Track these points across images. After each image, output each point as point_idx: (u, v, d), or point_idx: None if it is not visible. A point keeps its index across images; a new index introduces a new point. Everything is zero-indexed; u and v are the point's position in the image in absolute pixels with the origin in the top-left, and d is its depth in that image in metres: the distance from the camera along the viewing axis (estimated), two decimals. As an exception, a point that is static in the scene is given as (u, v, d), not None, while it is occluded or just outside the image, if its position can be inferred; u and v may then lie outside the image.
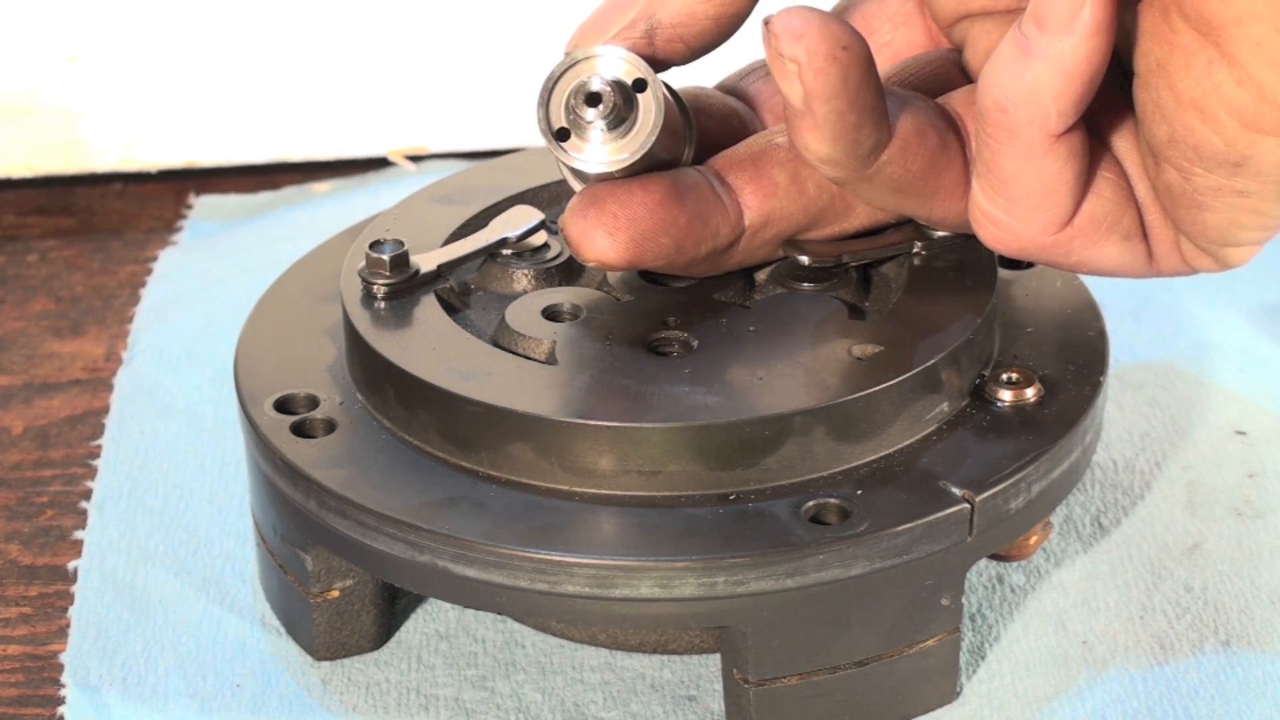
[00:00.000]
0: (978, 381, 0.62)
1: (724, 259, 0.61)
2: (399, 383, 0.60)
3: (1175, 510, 0.69)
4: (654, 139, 0.58)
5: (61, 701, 0.62)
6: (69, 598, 0.67)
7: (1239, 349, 0.77)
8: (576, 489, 0.58)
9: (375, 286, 0.63)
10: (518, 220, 0.66)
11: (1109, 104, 0.57)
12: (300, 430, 0.61)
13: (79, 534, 0.69)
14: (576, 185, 0.61)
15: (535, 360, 0.61)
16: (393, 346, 0.61)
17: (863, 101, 0.55)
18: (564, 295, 0.63)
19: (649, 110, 0.58)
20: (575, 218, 0.59)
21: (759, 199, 0.60)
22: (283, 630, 0.64)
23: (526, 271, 0.65)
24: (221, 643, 0.64)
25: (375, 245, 0.64)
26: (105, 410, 0.76)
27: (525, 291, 0.64)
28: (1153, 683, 0.62)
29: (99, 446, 0.74)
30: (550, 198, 0.69)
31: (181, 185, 0.91)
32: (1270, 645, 0.63)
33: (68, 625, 0.65)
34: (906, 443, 0.60)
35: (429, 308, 0.63)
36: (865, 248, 0.64)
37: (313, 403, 0.63)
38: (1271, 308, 0.79)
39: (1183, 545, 0.67)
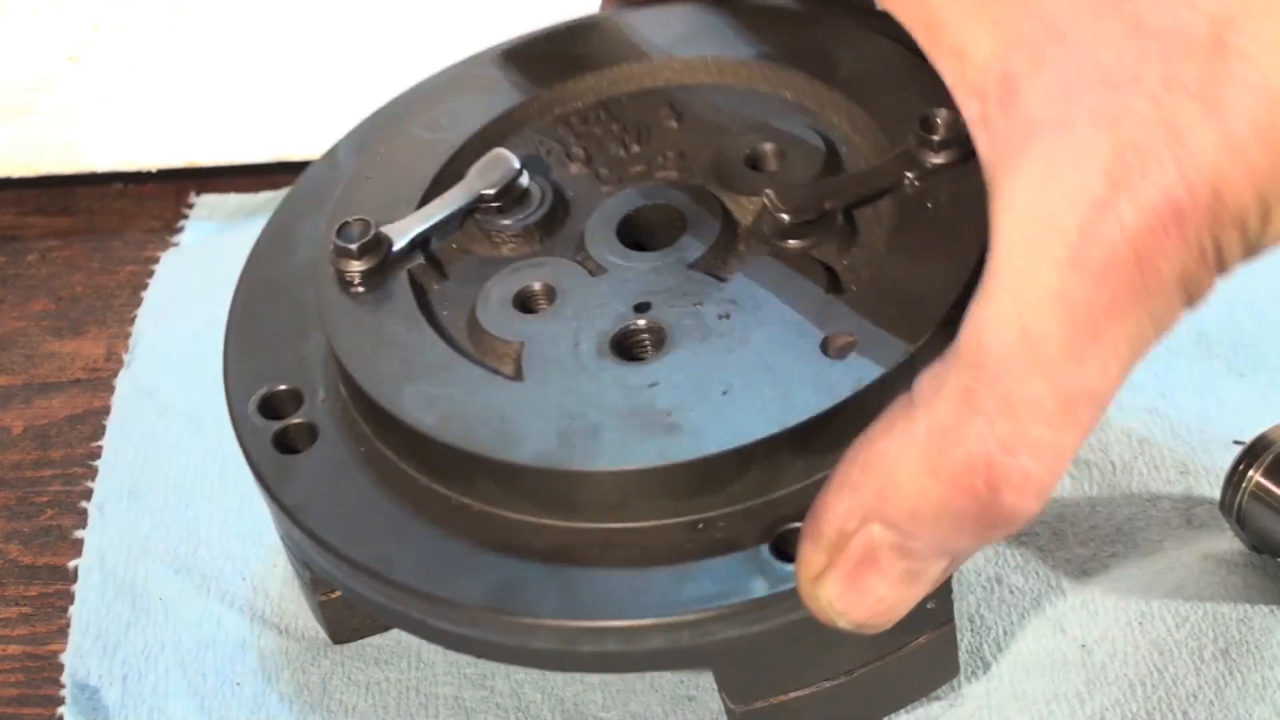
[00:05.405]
0: None
1: None
2: (368, 405, 0.59)
3: (1174, 514, 0.69)
4: None
5: (61, 701, 0.62)
6: (69, 597, 0.67)
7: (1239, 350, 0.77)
8: (545, 521, 0.56)
9: (348, 274, 0.61)
10: (493, 171, 0.63)
11: None
12: (283, 442, 0.60)
13: (79, 534, 0.69)
14: None
15: (502, 376, 0.59)
16: (360, 362, 0.59)
17: None
18: (538, 274, 0.61)
19: None
20: None
21: None
22: (283, 629, 0.64)
23: (508, 233, 0.63)
24: (221, 641, 0.64)
25: (342, 231, 0.61)
26: (105, 410, 0.76)
27: (507, 256, 0.62)
28: (1151, 688, 0.62)
29: (99, 446, 0.74)
30: (516, 123, 0.66)
31: (181, 185, 0.91)
32: (1269, 651, 0.63)
33: (68, 625, 0.65)
34: None
35: (402, 300, 0.61)
36: (850, 189, 0.61)
37: (297, 400, 0.61)
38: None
39: (1181, 549, 0.67)
